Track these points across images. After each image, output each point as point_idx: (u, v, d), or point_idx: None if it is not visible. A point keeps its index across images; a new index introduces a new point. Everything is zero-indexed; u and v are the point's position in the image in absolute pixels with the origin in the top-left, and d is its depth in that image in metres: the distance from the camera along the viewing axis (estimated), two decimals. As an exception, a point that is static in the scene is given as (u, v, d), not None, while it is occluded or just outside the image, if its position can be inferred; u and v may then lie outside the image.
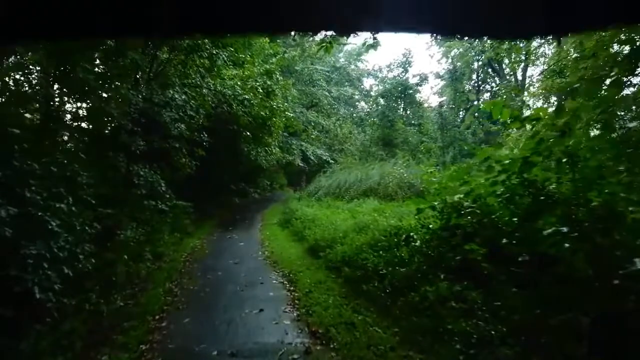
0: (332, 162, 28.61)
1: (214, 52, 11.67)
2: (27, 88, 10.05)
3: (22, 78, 11.17)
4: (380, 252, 7.94)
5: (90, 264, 6.97)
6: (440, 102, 37.84)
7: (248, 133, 16.74)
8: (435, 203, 7.43)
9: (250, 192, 27.40)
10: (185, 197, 16.91)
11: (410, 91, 37.26)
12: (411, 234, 7.33)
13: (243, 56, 15.46)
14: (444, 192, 7.52)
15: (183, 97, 10.74)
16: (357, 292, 7.41)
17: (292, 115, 16.73)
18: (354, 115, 46.68)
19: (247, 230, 16.07)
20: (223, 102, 17.23)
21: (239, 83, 14.67)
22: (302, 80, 32.54)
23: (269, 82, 17.47)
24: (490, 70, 37.94)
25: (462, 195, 7.01)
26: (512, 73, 35.24)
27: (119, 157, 11.28)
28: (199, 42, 11.86)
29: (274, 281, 8.84)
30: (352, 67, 50.61)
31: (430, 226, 7.40)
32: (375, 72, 52.86)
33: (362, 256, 8.09)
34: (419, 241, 7.14)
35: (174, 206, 14.13)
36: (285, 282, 8.68)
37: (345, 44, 47.58)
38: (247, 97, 14.06)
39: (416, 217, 8.06)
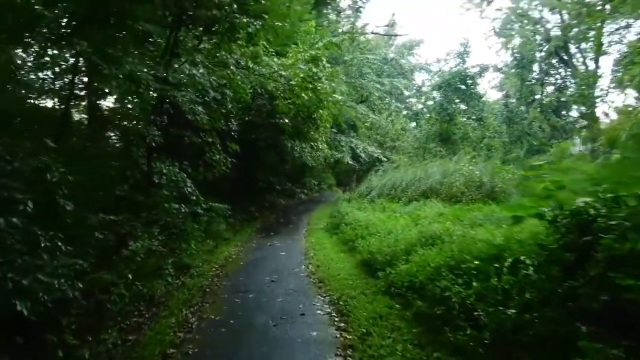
0: (385, 160, 26.21)
1: (253, 24, 9.66)
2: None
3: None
4: (466, 277, 5.66)
5: (75, 289, 5.17)
6: (505, 93, 34.41)
7: (288, 122, 14.63)
8: (546, 209, 5.11)
9: (296, 193, 25.65)
10: (224, 198, 15.32)
11: (470, 82, 34.05)
12: (522, 258, 4.97)
13: (281, 39, 13.43)
14: (557, 194, 5.17)
15: (211, 78, 8.77)
16: (437, 339, 5.17)
17: (340, 98, 14.54)
18: (406, 110, 43.99)
19: (290, 236, 14.11)
20: (264, 93, 15.43)
21: (282, 73, 12.62)
22: (350, 73, 30.34)
23: (314, 70, 15.42)
24: (555, 60, 34.08)
25: (591, 199, 4.67)
26: (583, 61, 31.46)
27: (139, 151, 9.65)
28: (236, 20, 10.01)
29: (319, 311, 6.74)
30: (403, 60, 47.96)
31: (542, 244, 5.04)
32: (427, 65, 49.90)
33: (441, 283, 5.82)
34: (532, 268, 4.79)
35: (208, 209, 12.46)
36: (334, 314, 6.56)
37: (396, 36, 45.07)
38: (292, 82, 11.96)
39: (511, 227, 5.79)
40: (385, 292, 7.24)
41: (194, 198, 9.64)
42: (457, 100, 34.14)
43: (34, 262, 4.03)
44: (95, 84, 8.66)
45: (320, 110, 16.72)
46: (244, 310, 6.87)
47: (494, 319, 4.70)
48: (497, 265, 5.20)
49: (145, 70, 7.05)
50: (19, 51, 11.26)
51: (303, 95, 12.70)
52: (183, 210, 9.42)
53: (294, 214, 19.70)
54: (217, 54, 10.46)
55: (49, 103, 11.79)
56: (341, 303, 6.99)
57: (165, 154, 12.73)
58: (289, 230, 15.51)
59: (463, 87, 33.29)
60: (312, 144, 19.29)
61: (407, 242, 8.45)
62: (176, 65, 8.05)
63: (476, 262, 5.78)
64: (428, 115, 34.85)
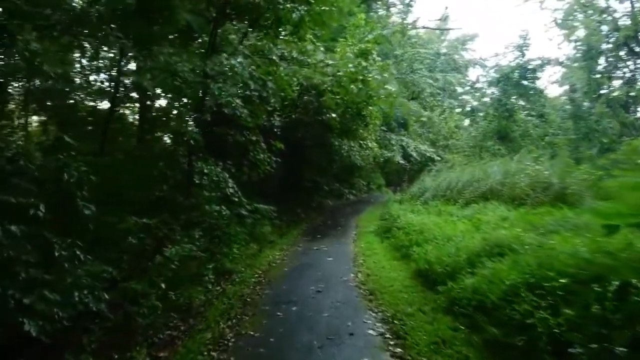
0: (438, 159, 24.85)
1: (298, 10, 8.94)
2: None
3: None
4: (551, 300, 4.63)
5: (100, 301, 4.65)
6: (571, 88, 31.93)
7: (336, 117, 13.75)
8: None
9: (344, 193, 24.90)
10: (269, 199, 14.79)
11: (531, 76, 31.82)
12: (633, 281, 3.91)
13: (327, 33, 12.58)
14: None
15: (250, 68, 8.06)
16: (519, 379, 4.21)
17: (393, 89, 13.58)
18: (460, 107, 42.05)
19: (338, 240, 13.31)
20: (310, 89, 14.75)
21: (329, 62, 11.81)
22: (401, 69, 29.10)
23: (364, 64, 14.53)
24: (624, 52, 31.10)
25: None
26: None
27: (180, 150, 9.24)
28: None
29: (370, 331, 5.89)
30: (457, 55, 46.00)
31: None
32: (482, 60, 47.57)
33: (520, 307, 4.82)
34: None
35: (254, 210, 11.93)
36: (388, 335, 5.69)
37: (449, 30, 43.30)
38: (340, 72, 11.11)
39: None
40: (447, 310, 6.28)
41: (236, 199, 9.03)
42: (516, 96, 32.03)
43: (41, 276, 3.47)
44: (132, 78, 8.29)
45: (370, 107, 15.80)
46: (286, 326, 6.14)
47: (596, 357, 3.69)
48: (596, 286, 4.15)
49: (181, 62, 6.49)
50: (76, 55, 11.29)
51: (352, 86, 11.82)
52: (224, 212, 8.85)
53: (342, 215, 18.91)
54: (261, 48, 9.82)
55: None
56: (396, 322, 6.10)
57: (208, 153, 12.35)
58: (337, 233, 14.73)
59: (524, 81, 31.14)
60: (361, 142, 18.41)
61: (470, 251, 7.44)
62: (217, 58, 7.45)
63: (562, 281, 4.74)
64: (484, 112, 32.95)
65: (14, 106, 12.68)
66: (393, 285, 8.02)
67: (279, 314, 6.62)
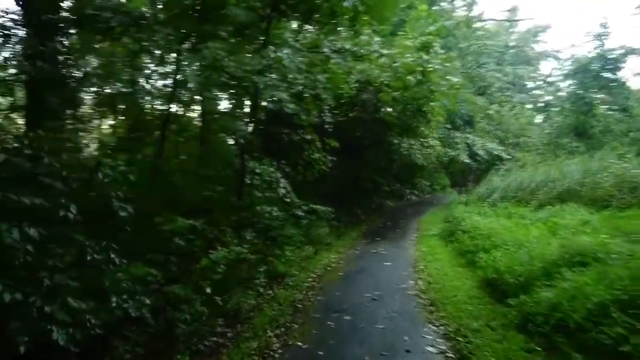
0: (507, 158, 23.27)
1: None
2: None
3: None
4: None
5: (142, 307, 4.45)
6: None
7: (392, 112, 13.01)
8: None
9: (405, 194, 24.02)
10: (327, 200, 14.43)
11: (612, 67, 29.05)
12: None
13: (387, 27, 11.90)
14: None
15: (297, 57, 7.61)
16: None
17: (456, 80, 12.64)
18: (531, 103, 39.41)
19: (397, 243, 12.64)
20: (368, 87, 14.20)
21: (383, 51, 11.17)
22: (466, 63, 27.61)
23: (425, 57, 13.73)
24: None
25: None
26: None
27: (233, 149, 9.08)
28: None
29: (430, 348, 5.27)
30: (527, 48, 43.22)
31: None
32: (555, 53, 44.34)
33: (611, 330, 4.03)
34: None
35: (310, 211, 11.62)
36: (450, 354, 5.05)
37: (518, 21, 40.84)
38: (397, 63, 10.42)
39: None
40: (520, 327, 5.51)
41: (288, 200, 8.71)
42: (595, 89, 29.34)
43: (65, 282, 3.26)
44: (179, 76, 8.20)
45: (432, 103, 14.94)
46: (337, 337, 5.67)
47: None
48: None
49: (227, 56, 6.23)
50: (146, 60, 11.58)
51: (410, 77, 11.10)
52: (274, 214, 8.56)
53: (403, 217, 18.12)
54: (315, 43, 9.42)
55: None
56: (459, 338, 5.44)
57: (263, 152, 12.18)
58: (397, 235, 14.04)
59: (604, 73, 28.45)
60: (422, 140, 17.52)
61: (546, 260, 6.59)
62: (264, 52, 7.12)
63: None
64: (559, 106, 30.54)
65: (88, 110, 13.33)
66: (457, 295, 7.30)
67: (330, 323, 6.17)
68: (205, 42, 7.19)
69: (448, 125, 24.11)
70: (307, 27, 10.07)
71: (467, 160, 23.75)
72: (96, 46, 13.77)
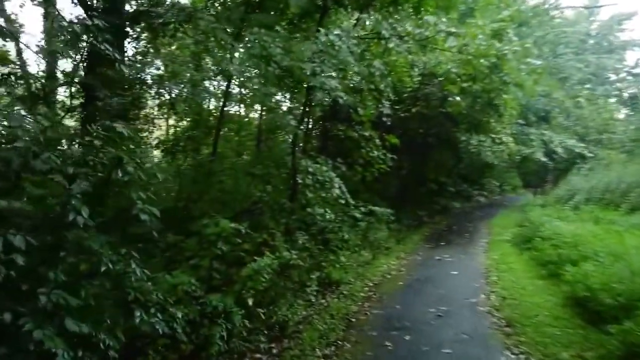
0: (590, 156, 21.03)
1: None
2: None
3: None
4: None
5: (169, 323, 3.95)
6: None
7: (460, 100, 11.81)
8: None
9: (473, 195, 22.56)
10: (387, 201, 13.59)
11: None
12: None
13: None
14: None
15: (350, 42, 6.71)
16: None
17: (539, 63, 11.21)
18: (615, 96, 35.76)
19: (465, 249, 11.52)
20: (432, 77, 13.15)
21: (452, 30, 10.04)
22: (542, 54, 25.28)
23: (498, 45, 12.44)
24: None
25: None
26: None
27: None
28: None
29: (509, 385, 4.35)
30: (611, 37, 39.36)
31: None
32: (643, 40, 39.93)
33: None
34: None
35: (369, 213, 10.85)
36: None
37: (600, 7, 37.29)
38: (467, 48, 9.31)
39: None
40: (626, 362, 4.44)
41: (343, 201, 7.98)
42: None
43: (63, 298, 2.75)
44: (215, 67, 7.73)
45: (505, 95, 13.55)
46: (395, 362, 4.89)
47: None
48: None
49: (274, 42, 5.62)
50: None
51: (483, 61, 9.92)
52: (328, 216, 7.87)
53: (471, 220, 16.78)
54: (375, 30, 8.61)
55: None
56: (546, 374, 4.46)
57: (321, 151, 11.57)
58: (464, 240, 12.87)
59: None
60: (493, 136, 16.08)
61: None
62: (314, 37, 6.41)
63: None
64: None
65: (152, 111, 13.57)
66: (538, 315, 6.22)
67: (387, 344, 5.37)
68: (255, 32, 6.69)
69: (521, 121, 22.24)
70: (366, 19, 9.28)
71: (543, 159, 21.70)
72: (163, 51, 14.00)
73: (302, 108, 8.01)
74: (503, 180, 28.28)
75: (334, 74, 5.75)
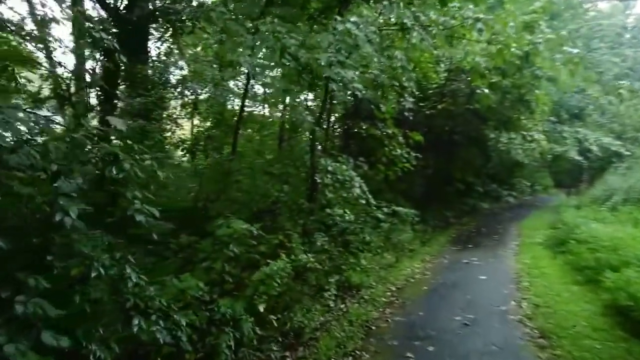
0: (628, 154, 19.97)
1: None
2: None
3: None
4: None
5: (171, 331, 3.71)
6: None
7: (488, 93, 11.22)
8: None
9: (502, 196, 21.77)
10: (412, 201, 13.17)
11: None
12: None
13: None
14: None
15: (367, 29, 6.23)
16: None
17: (576, 52, 10.51)
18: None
19: (494, 252, 10.97)
20: (459, 71, 12.64)
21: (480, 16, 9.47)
22: (576, 48, 24.24)
23: (529, 37, 11.82)
24: None
25: None
26: None
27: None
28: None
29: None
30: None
31: None
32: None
33: None
34: None
35: (392, 213, 10.46)
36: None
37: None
38: (497, 36, 8.74)
39: None
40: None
41: (364, 201, 7.62)
42: None
43: (40, 309, 2.51)
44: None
45: (537, 90, 12.91)
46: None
47: None
48: None
49: (287, 33, 5.30)
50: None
51: (513, 50, 9.33)
52: (347, 217, 7.53)
53: (500, 221, 16.12)
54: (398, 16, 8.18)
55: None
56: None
57: (343, 149, 11.25)
58: (493, 242, 12.30)
59: None
60: (524, 133, 15.37)
61: None
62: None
63: None
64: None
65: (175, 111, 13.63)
66: (575, 325, 5.73)
67: (409, 355, 5.00)
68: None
69: (553, 118, 21.34)
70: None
71: (577, 158, 20.73)
72: (189, 52, 14.01)
73: (321, 104, 7.68)
74: (534, 180, 27.24)
75: (351, 62, 5.38)
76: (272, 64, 7.17)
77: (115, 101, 9.46)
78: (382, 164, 10.44)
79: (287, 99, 9.99)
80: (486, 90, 10.68)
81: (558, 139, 20.84)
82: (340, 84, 5.38)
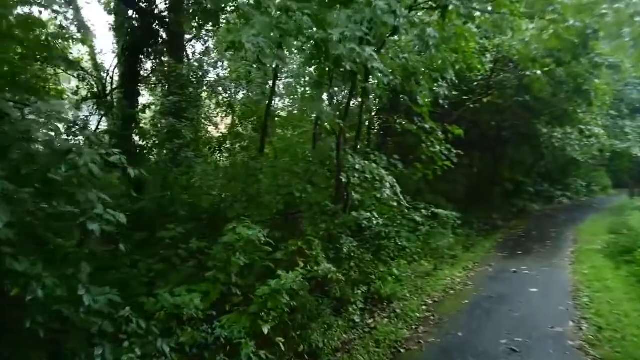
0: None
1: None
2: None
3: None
4: None
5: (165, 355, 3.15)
6: None
7: (540, 74, 10.07)
8: None
9: (556, 196, 20.20)
10: (453, 202, 12.25)
11: None
12: None
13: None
14: None
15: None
16: None
17: None
18: None
19: (547, 260, 9.84)
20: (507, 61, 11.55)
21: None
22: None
23: (587, 21, 10.59)
24: None
25: None
26: None
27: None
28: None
29: None
30: None
31: None
32: None
33: None
34: None
35: (431, 216, 9.64)
36: None
37: None
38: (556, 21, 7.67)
39: None
40: None
41: (395, 203, 6.81)
42: None
43: None
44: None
45: (596, 80, 11.57)
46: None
47: None
48: None
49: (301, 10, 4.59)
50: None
51: (571, 25, 8.20)
52: (375, 221, 6.74)
53: (553, 225, 14.73)
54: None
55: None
56: None
57: (380, 147, 10.56)
58: (546, 249, 11.11)
59: None
60: (581, 127, 13.93)
61: None
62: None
63: None
64: None
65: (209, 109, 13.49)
66: (652, 357, 4.72)
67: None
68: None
69: (613, 112, 19.52)
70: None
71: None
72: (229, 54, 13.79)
73: (348, 95, 6.93)
74: (590, 179, 25.23)
75: (370, 39, 4.56)
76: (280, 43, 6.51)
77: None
78: (421, 162, 9.58)
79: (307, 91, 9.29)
80: (538, 72, 9.53)
81: (619, 135, 19.03)
82: (358, 64, 4.60)
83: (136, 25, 8.59)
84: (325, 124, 6.89)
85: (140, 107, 9.94)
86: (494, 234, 12.95)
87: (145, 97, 13.02)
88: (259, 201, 6.97)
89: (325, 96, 8.89)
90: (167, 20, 10.12)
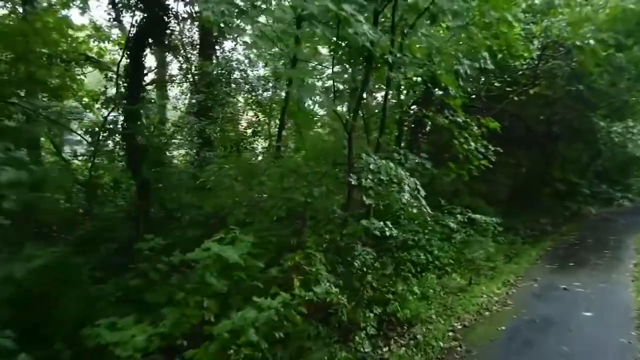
0: None
1: None
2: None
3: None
4: None
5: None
6: None
7: (595, 46, 8.66)
8: None
9: (615, 198, 18.36)
10: (494, 205, 11.09)
11: None
12: None
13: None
14: None
15: None
16: None
17: None
18: None
19: (605, 274, 8.46)
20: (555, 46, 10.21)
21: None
22: None
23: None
24: None
25: None
26: None
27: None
28: None
29: None
30: None
31: None
32: None
33: None
34: None
35: (469, 221, 8.63)
36: None
37: None
38: None
39: None
40: None
41: (414, 209, 5.78)
42: None
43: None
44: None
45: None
46: None
47: None
48: None
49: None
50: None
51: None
52: (388, 232, 5.73)
53: (612, 231, 13.04)
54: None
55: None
56: None
57: (411, 144, 9.75)
58: (603, 261, 9.64)
59: None
60: (646, 121, 12.32)
61: None
62: None
63: None
64: None
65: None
66: None
67: None
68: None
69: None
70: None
71: None
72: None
73: (361, 82, 5.98)
74: (655, 179, 22.88)
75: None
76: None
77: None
78: (456, 161, 8.51)
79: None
80: (592, 42, 8.17)
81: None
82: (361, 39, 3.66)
83: (140, 15, 8.03)
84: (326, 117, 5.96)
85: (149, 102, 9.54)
86: (542, 241, 11.53)
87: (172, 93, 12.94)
88: (261, 206, 6.19)
89: (341, 87, 7.97)
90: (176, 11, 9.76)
